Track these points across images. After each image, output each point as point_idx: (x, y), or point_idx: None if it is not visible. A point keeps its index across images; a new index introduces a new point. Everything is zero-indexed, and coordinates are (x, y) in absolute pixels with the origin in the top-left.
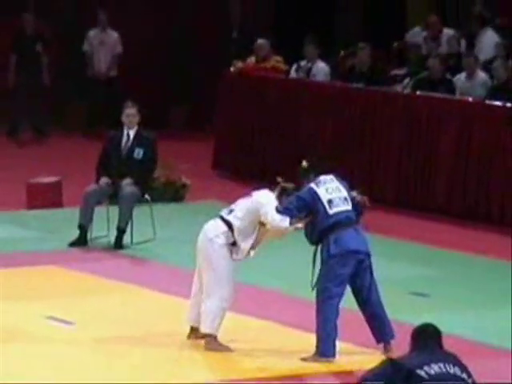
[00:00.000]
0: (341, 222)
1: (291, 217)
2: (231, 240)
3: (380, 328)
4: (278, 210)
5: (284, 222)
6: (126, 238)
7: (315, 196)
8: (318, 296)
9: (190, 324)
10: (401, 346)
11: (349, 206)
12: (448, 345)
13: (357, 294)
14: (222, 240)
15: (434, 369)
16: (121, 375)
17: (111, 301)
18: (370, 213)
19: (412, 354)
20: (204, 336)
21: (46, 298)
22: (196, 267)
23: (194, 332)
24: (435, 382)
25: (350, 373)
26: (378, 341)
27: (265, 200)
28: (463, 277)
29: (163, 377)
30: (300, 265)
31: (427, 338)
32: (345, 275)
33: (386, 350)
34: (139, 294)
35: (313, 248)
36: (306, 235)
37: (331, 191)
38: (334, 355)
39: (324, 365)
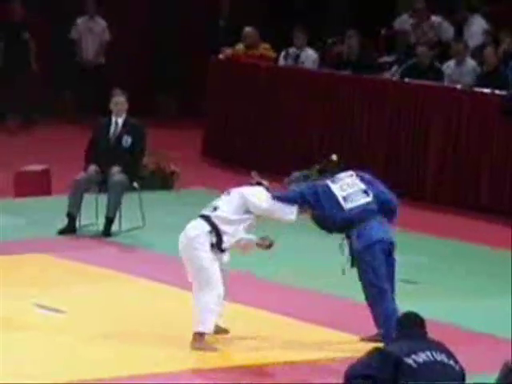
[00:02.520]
0: (360, 216)
1: (297, 201)
2: (214, 239)
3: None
4: (281, 197)
5: (291, 215)
6: (115, 226)
7: (328, 189)
8: (367, 295)
9: None
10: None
11: (369, 198)
12: (436, 332)
13: None
14: (204, 239)
15: (422, 357)
16: (110, 364)
17: (100, 289)
18: None
19: (398, 343)
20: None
21: (35, 286)
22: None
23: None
24: (423, 370)
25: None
26: (379, 327)
27: (256, 196)
28: (452, 264)
29: (151, 366)
30: (304, 254)
31: (411, 326)
32: (381, 265)
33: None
34: (128, 282)
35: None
36: (321, 226)
37: (345, 188)
38: None
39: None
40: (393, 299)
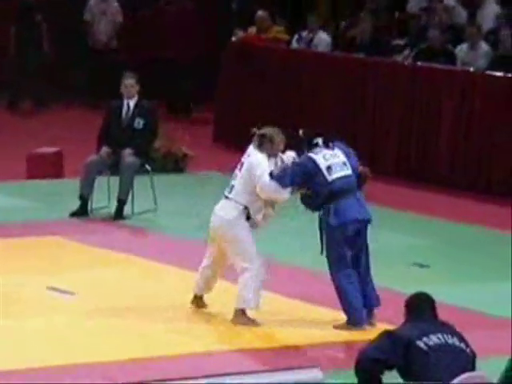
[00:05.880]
0: (342, 189)
1: (289, 185)
2: (248, 214)
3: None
4: (275, 178)
5: (283, 193)
6: (127, 209)
7: (314, 163)
8: (330, 268)
9: (197, 293)
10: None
11: (348, 171)
12: (447, 315)
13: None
14: (242, 219)
15: (433, 340)
16: (122, 346)
17: (112, 271)
18: (371, 183)
19: (408, 325)
20: (204, 305)
21: (47, 268)
22: (209, 242)
23: (197, 300)
24: (435, 353)
25: (350, 343)
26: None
27: (259, 170)
28: (464, 247)
29: (164, 348)
30: (295, 233)
31: (422, 307)
32: (348, 243)
33: (370, 316)
34: (140, 265)
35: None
36: (305, 202)
37: (328, 157)
38: (362, 322)
39: (323, 335)
40: (370, 280)
